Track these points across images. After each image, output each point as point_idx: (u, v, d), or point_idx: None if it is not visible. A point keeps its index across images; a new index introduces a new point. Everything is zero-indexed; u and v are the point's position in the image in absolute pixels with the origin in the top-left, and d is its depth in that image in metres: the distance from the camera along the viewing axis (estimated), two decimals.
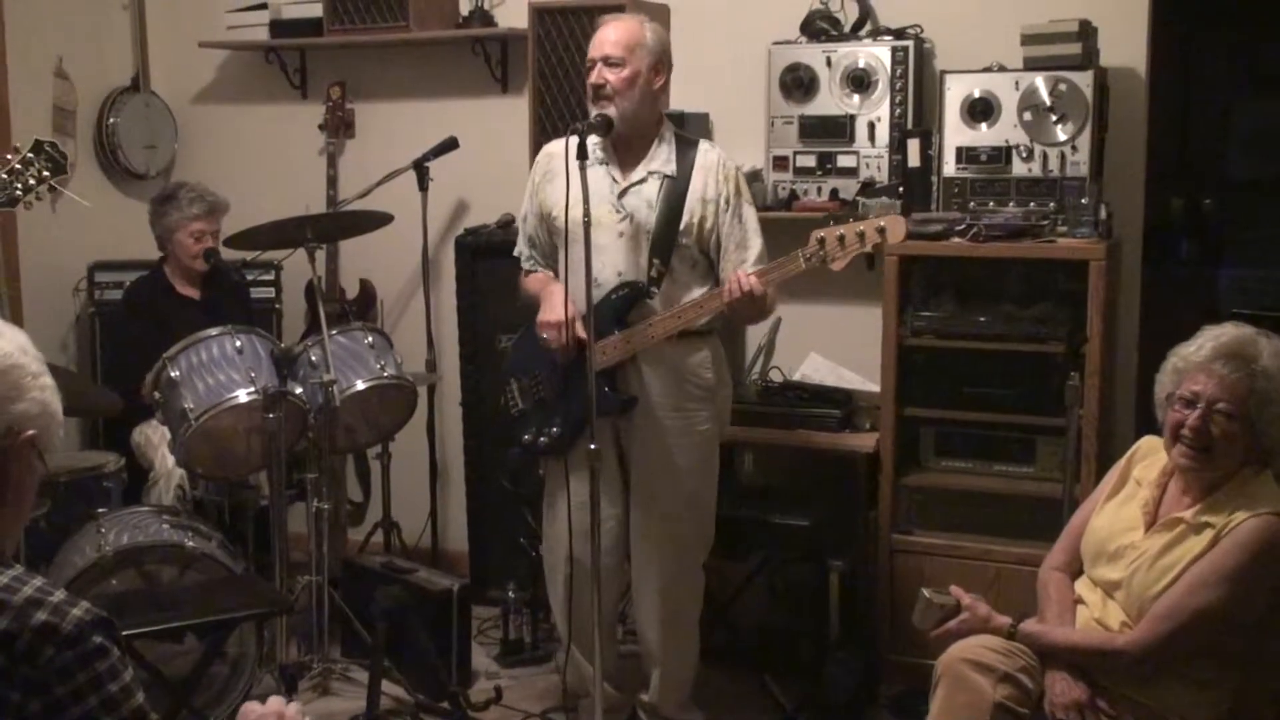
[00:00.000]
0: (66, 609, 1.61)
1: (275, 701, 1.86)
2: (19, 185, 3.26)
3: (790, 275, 3.27)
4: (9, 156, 3.27)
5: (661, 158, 3.40)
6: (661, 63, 3.39)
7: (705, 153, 3.43)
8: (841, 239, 3.20)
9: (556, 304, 3.37)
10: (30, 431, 1.72)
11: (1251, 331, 2.71)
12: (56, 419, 1.78)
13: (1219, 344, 2.68)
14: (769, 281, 3.26)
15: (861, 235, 3.20)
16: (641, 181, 3.39)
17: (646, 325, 3.34)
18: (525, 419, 3.53)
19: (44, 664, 1.58)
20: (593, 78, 3.34)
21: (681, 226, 3.36)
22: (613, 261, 3.34)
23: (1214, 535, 2.63)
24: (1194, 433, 2.66)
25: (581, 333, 3.30)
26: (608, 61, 3.33)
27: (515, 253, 3.64)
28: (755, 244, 3.40)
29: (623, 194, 3.38)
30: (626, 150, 3.41)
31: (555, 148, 3.49)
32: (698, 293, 3.38)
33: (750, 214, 3.44)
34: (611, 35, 3.36)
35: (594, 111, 3.34)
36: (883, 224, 3.19)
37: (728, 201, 3.40)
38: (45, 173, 3.31)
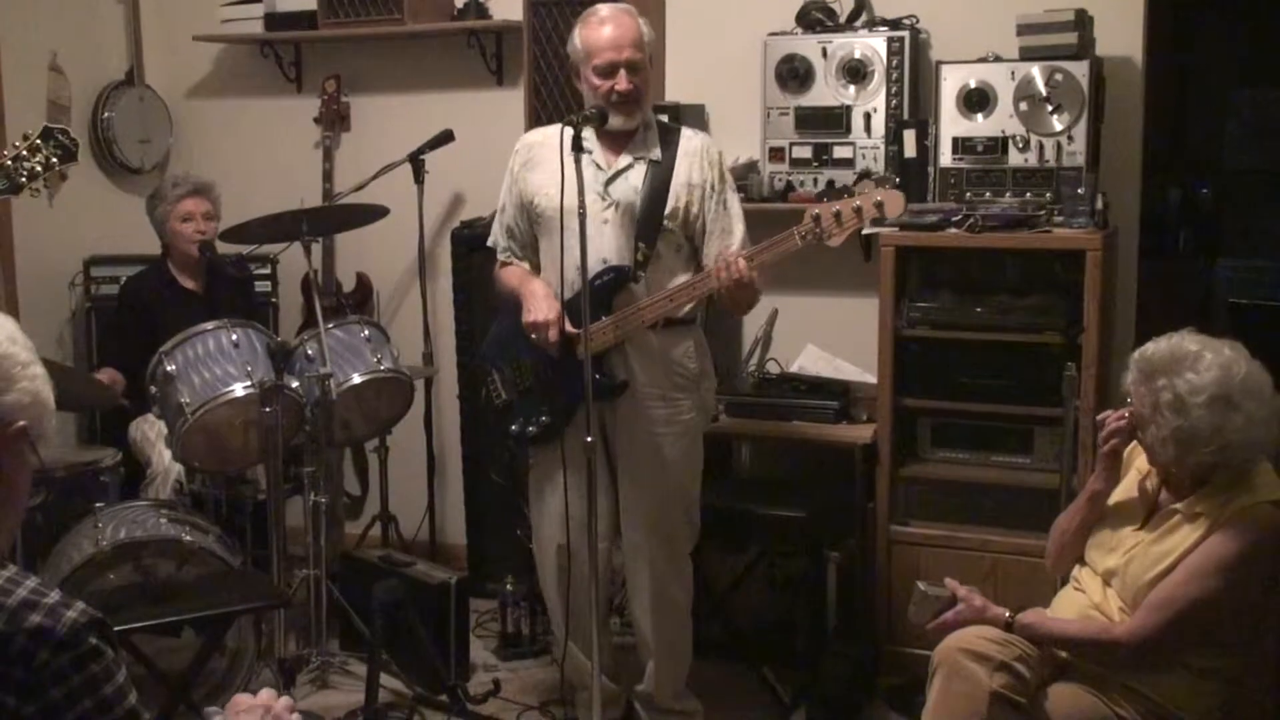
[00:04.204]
0: (61, 611, 1.58)
1: (266, 694, 1.84)
2: (24, 171, 3.20)
3: (786, 254, 3.22)
4: (16, 144, 3.21)
5: (646, 143, 3.38)
6: (655, 52, 3.38)
7: (689, 139, 3.42)
8: (838, 215, 3.16)
9: (540, 303, 3.32)
10: (21, 423, 1.68)
11: (1194, 349, 2.63)
12: (49, 408, 1.73)
13: (1147, 352, 2.69)
14: (761, 263, 3.21)
15: (859, 210, 3.15)
16: (627, 168, 3.37)
17: (635, 309, 3.31)
18: (511, 409, 3.51)
19: (39, 667, 1.55)
20: (621, 85, 3.24)
21: (667, 210, 3.34)
22: (599, 248, 3.30)
23: (1209, 524, 2.63)
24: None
25: (570, 327, 3.29)
26: (632, 66, 3.26)
27: (490, 243, 3.60)
28: (738, 230, 3.38)
29: (609, 181, 3.36)
30: (611, 138, 3.37)
31: (534, 137, 3.52)
32: (683, 278, 3.35)
33: (734, 201, 3.42)
34: (625, 36, 3.25)
35: (618, 118, 3.26)
36: (880, 198, 3.13)
37: (713, 187, 3.39)
38: (54, 160, 3.22)
